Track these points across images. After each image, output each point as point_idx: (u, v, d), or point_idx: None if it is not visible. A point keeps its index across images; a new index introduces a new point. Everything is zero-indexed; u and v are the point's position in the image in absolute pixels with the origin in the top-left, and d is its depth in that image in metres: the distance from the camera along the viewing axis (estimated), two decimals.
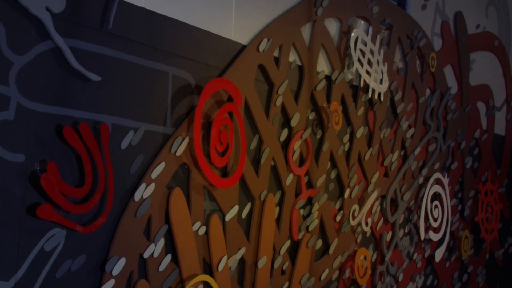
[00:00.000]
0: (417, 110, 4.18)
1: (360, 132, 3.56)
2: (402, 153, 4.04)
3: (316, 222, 3.22)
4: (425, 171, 4.20)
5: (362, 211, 3.59)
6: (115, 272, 2.19)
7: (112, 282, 2.18)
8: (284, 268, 3.04)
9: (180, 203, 2.44)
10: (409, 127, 4.10)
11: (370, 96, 3.62)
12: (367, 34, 3.57)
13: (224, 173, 2.68)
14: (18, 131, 1.91)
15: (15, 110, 1.90)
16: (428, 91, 4.31)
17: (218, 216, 2.63)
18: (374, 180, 3.70)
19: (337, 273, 3.44)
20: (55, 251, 2.02)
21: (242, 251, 2.76)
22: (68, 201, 2.01)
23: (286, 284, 3.05)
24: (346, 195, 3.47)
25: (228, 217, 2.69)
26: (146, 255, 2.32)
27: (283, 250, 3.01)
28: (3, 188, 1.86)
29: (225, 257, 2.65)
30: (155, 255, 2.35)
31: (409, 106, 4.06)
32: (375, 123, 3.73)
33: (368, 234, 3.73)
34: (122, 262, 2.21)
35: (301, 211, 3.14)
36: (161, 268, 2.37)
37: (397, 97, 3.93)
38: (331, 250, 3.36)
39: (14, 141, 1.90)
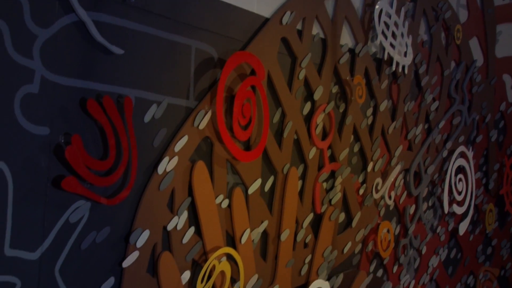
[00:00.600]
0: (442, 83, 4.15)
1: (384, 105, 3.54)
2: (426, 126, 4.02)
3: (339, 195, 3.22)
4: (449, 145, 4.18)
5: (385, 185, 3.59)
6: (139, 244, 2.21)
7: (136, 253, 2.20)
8: (306, 241, 3.05)
9: (203, 176, 2.45)
10: (434, 100, 4.07)
11: (394, 69, 3.59)
12: (391, 7, 3.54)
13: (247, 146, 2.69)
14: (42, 104, 1.92)
15: (39, 83, 1.92)
16: (453, 64, 4.27)
17: (241, 189, 2.64)
18: (397, 153, 3.69)
19: (360, 246, 3.45)
20: (80, 223, 2.04)
21: (265, 224, 2.77)
22: (92, 174, 2.02)
23: (309, 257, 3.07)
24: (369, 168, 3.46)
25: (251, 190, 2.70)
26: (169, 227, 2.34)
27: (306, 223, 3.02)
28: (28, 161, 1.88)
29: (248, 230, 2.66)
30: (179, 227, 2.37)
31: (434, 79, 4.03)
32: (399, 96, 3.71)
33: (391, 208, 3.72)
34: (146, 234, 2.23)
35: (324, 184, 3.14)
36: (185, 240, 2.39)
37: (422, 70, 3.90)
38: (354, 223, 3.37)
39: (39, 114, 1.91)
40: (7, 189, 1.83)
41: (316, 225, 3.12)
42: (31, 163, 1.89)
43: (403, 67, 3.69)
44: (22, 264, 1.88)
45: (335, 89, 3.20)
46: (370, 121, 3.48)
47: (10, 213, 1.84)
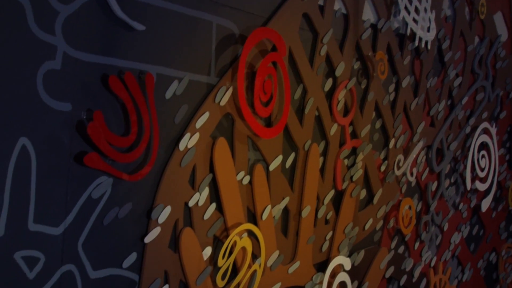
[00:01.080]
0: (465, 59, 4.10)
1: (406, 81, 3.52)
2: (449, 102, 3.98)
3: (360, 172, 3.22)
4: (472, 121, 4.15)
5: (407, 161, 3.57)
6: (161, 220, 2.23)
7: (158, 229, 2.22)
8: (328, 217, 3.05)
9: (224, 152, 2.46)
10: (457, 76, 4.03)
11: (416, 44, 3.56)
12: None
13: (268, 123, 2.68)
14: (64, 80, 1.93)
15: (61, 60, 1.92)
16: (477, 39, 4.22)
17: (262, 165, 2.65)
18: (419, 130, 3.67)
19: (381, 222, 3.45)
20: (102, 199, 2.06)
21: (286, 200, 2.78)
22: (114, 150, 2.03)
23: (330, 233, 3.07)
24: (391, 145, 3.45)
25: (272, 167, 2.70)
26: (191, 203, 2.35)
27: (327, 199, 3.02)
28: (51, 137, 1.89)
29: (269, 206, 2.67)
30: (200, 203, 2.38)
31: (457, 54, 3.99)
32: (421, 72, 3.68)
33: (413, 184, 3.71)
34: (167, 210, 2.24)
35: (345, 161, 3.14)
36: (206, 216, 2.41)
37: (445, 45, 3.86)
38: (375, 200, 3.36)
39: (61, 90, 1.92)
40: (31, 165, 1.85)
41: (337, 201, 3.12)
42: (54, 139, 1.90)
43: (426, 43, 3.66)
44: (45, 239, 1.90)
45: (357, 65, 3.18)
46: (392, 97, 3.46)
47: (34, 189, 1.86)
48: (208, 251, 2.42)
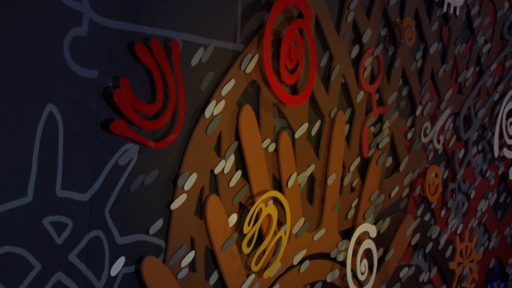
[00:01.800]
0: (495, 25, 4.04)
1: (434, 48, 3.48)
2: (477, 69, 3.94)
3: (387, 139, 3.20)
4: (500, 88, 4.09)
5: (434, 129, 3.55)
6: (187, 187, 2.24)
7: (184, 196, 2.23)
8: (353, 185, 3.05)
9: (250, 120, 2.46)
10: (486, 42, 3.98)
11: (445, 10, 3.51)
12: None
13: (294, 90, 2.67)
14: (91, 47, 1.93)
15: (87, 26, 1.92)
16: (506, 5, 4.15)
17: (287, 133, 2.64)
18: (447, 97, 3.63)
19: (407, 190, 3.44)
20: (128, 166, 2.07)
21: (311, 168, 2.78)
22: (140, 117, 2.04)
23: (356, 201, 3.07)
24: (418, 112, 3.42)
25: (297, 135, 2.69)
26: (216, 170, 2.36)
27: (353, 167, 3.01)
28: (78, 104, 1.90)
29: (295, 174, 2.67)
30: (226, 171, 2.38)
31: (486, 20, 3.93)
32: (449, 38, 3.63)
33: (440, 152, 3.69)
34: (193, 177, 2.25)
35: (372, 128, 3.12)
36: (232, 183, 2.41)
37: (474, 11, 3.80)
38: (401, 168, 3.35)
39: (88, 57, 1.92)
40: (58, 131, 1.86)
41: (363, 169, 3.11)
42: (81, 106, 1.91)
43: (455, 8, 3.60)
44: (73, 205, 1.92)
45: (384, 32, 3.14)
46: (419, 64, 3.43)
47: (61, 155, 1.87)
48: (233, 218, 2.43)
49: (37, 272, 1.85)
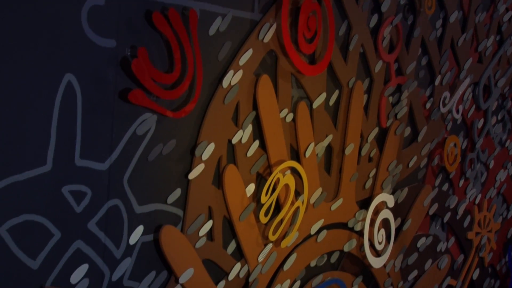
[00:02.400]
0: None
1: (454, 16, 3.44)
2: (497, 38, 3.89)
3: (405, 109, 3.18)
4: None
5: (453, 98, 3.52)
6: (205, 156, 2.25)
7: (201, 166, 2.24)
8: (371, 155, 3.04)
9: (267, 90, 2.45)
10: (507, 10, 3.92)
11: None
12: None
13: (312, 60, 2.66)
14: (108, 16, 1.93)
15: None
16: None
17: (305, 103, 2.63)
18: (467, 66, 3.60)
19: (425, 160, 3.43)
20: (146, 136, 2.08)
21: (329, 138, 2.77)
22: (158, 87, 2.04)
23: (373, 171, 3.06)
24: (437, 82, 3.39)
25: (315, 104, 2.68)
26: (234, 140, 2.36)
27: (371, 137, 3.00)
28: (96, 73, 1.91)
29: (312, 144, 2.67)
30: (243, 141, 2.39)
31: None
32: (470, 6, 3.58)
33: (458, 122, 3.67)
34: (211, 147, 2.25)
35: (390, 98, 3.10)
36: (249, 153, 2.42)
37: None
38: (419, 138, 3.33)
39: (105, 26, 1.92)
40: (76, 101, 1.87)
41: (381, 139, 3.10)
42: (99, 76, 1.92)
43: None
44: (92, 174, 1.94)
45: (403, 1, 3.10)
46: (439, 33, 3.39)
47: (79, 125, 1.88)
48: (251, 188, 2.44)
49: (57, 240, 1.87)
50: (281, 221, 2.56)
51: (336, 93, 2.80)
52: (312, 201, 2.71)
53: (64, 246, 1.90)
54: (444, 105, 3.46)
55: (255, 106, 2.43)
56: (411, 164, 3.31)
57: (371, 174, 3.05)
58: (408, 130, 3.25)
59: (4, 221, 1.75)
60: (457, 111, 3.58)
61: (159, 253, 2.17)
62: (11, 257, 1.78)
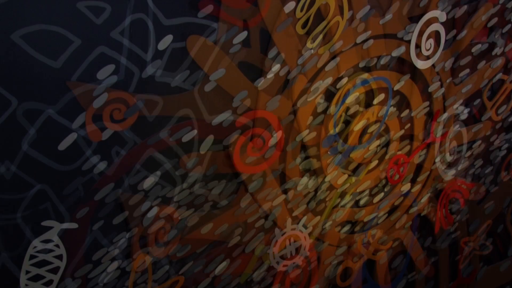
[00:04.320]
0: None
1: None
2: None
3: None
4: None
5: None
6: None
7: None
8: None
9: None
10: None
11: None
12: None
13: None
14: None
15: None
16: None
17: None
18: None
19: None
20: None
21: None
22: None
23: None
24: None
25: None
26: None
27: None
28: None
29: None
30: None
31: None
32: None
33: None
34: None
35: None
36: None
37: None
38: None
39: None
40: None
41: None
42: None
43: None
44: None
45: None
46: None
47: None
48: (291, 5, 2.35)
49: (78, 46, 1.91)
50: (322, 31, 2.48)
51: None
52: (358, 16, 2.59)
53: (86, 51, 1.93)
54: None
55: None
56: None
57: None
58: None
59: (17, 28, 1.78)
60: None
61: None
62: (30, 60, 1.83)
